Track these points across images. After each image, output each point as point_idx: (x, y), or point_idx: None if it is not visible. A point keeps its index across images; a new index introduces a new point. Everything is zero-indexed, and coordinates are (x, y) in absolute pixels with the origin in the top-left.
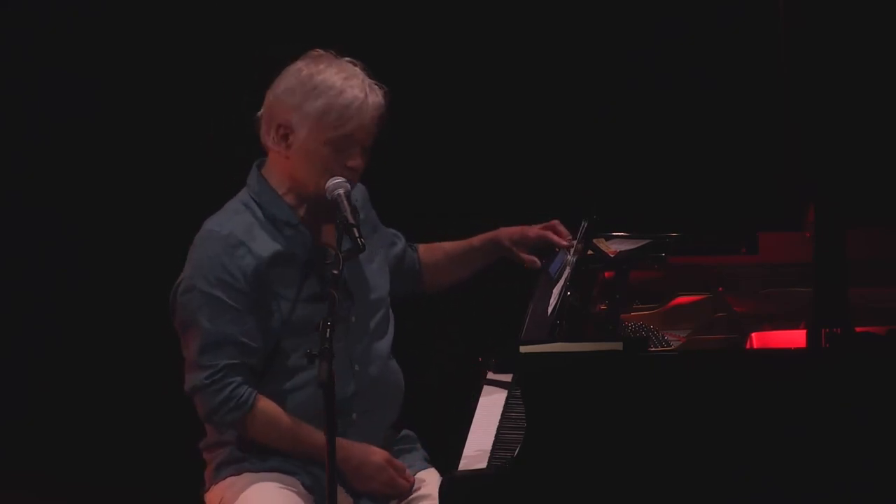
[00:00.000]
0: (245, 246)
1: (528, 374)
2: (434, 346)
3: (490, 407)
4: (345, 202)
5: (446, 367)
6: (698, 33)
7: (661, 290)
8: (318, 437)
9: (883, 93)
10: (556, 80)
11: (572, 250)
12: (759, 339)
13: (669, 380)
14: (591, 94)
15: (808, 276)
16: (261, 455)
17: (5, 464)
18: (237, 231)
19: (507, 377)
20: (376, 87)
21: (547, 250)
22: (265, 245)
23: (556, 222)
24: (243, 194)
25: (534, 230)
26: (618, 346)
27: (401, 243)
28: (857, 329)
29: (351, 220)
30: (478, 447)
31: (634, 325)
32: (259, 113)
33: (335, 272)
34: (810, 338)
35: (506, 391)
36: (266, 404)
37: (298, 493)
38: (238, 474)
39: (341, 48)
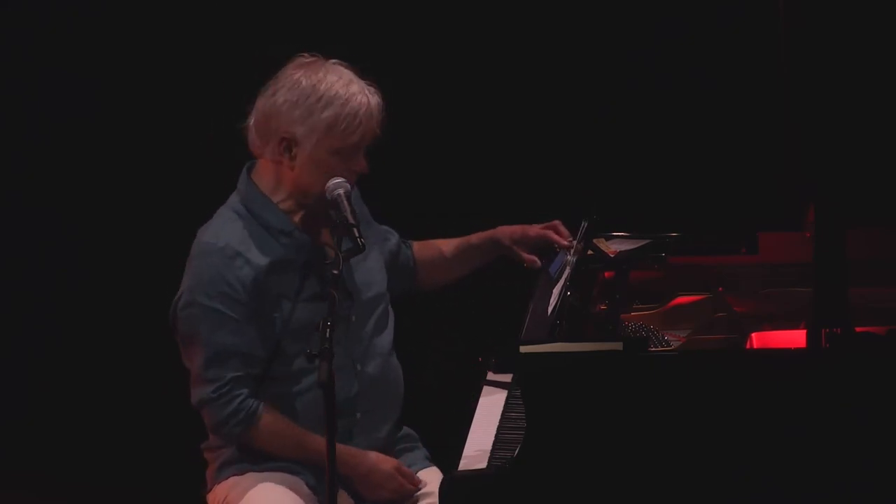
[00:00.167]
0: (242, 256)
1: (528, 374)
2: (434, 345)
3: (490, 407)
4: (345, 202)
5: (446, 365)
6: (698, 33)
7: (661, 290)
8: (320, 442)
9: (883, 93)
10: (557, 79)
11: (572, 250)
12: (759, 339)
13: (669, 380)
14: (591, 94)
15: (808, 276)
16: (264, 455)
17: (5, 464)
18: (233, 242)
19: (507, 378)
20: (371, 87)
21: (547, 250)
22: (262, 254)
23: (557, 222)
24: (234, 201)
25: (534, 229)
26: (618, 346)
27: (394, 239)
28: (857, 329)
29: (351, 220)
30: (478, 447)
31: (634, 325)
32: (249, 123)
33: (335, 272)
34: (810, 338)
35: (506, 391)
36: (272, 415)
37: (303, 493)
38: (241, 474)
39: (341, 48)
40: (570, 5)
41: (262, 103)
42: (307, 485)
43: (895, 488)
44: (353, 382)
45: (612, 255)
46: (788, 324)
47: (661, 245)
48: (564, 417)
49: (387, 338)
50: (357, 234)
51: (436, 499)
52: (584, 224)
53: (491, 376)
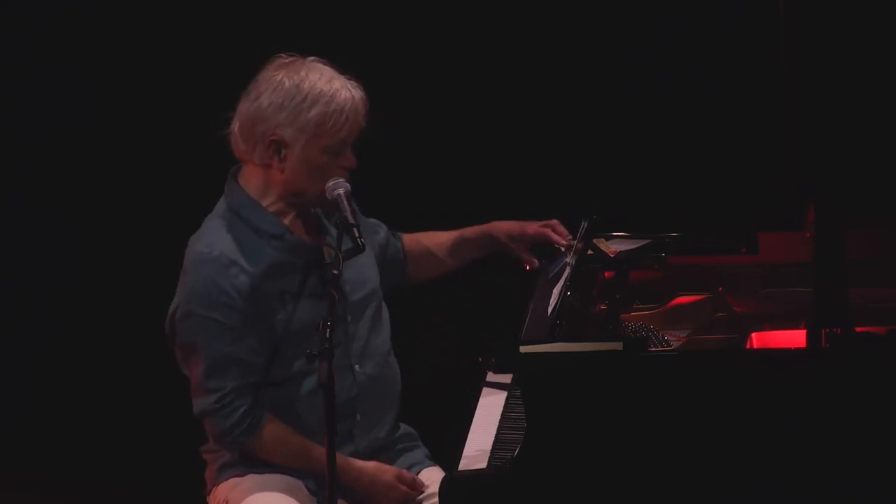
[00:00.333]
0: (237, 265)
1: (528, 374)
2: (430, 342)
3: (490, 407)
4: (345, 202)
5: (444, 362)
6: (698, 33)
7: (661, 290)
8: (322, 452)
9: (883, 93)
10: (557, 79)
11: (572, 250)
12: (759, 339)
13: (669, 380)
14: (592, 94)
15: (808, 276)
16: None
17: (5, 464)
18: (227, 250)
19: (507, 379)
20: (352, 81)
21: (546, 249)
22: (256, 260)
23: (555, 222)
24: (223, 208)
25: (533, 227)
26: (618, 346)
27: (383, 232)
28: (857, 329)
29: (351, 220)
30: (478, 447)
31: (634, 325)
32: (232, 129)
33: (335, 272)
34: (810, 338)
35: (505, 391)
36: (275, 425)
37: (303, 496)
38: (241, 475)
39: (340, 48)
40: (569, 5)
41: (245, 108)
42: (307, 488)
43: (895, 488)
44: (352, 384)
45: (612, 255)
46: (788, 324)
47: (661, 245)
48: (564, 417)
49: (384, 336)
50: (357, 234)
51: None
52: (584, 224)
53: (491, 377)
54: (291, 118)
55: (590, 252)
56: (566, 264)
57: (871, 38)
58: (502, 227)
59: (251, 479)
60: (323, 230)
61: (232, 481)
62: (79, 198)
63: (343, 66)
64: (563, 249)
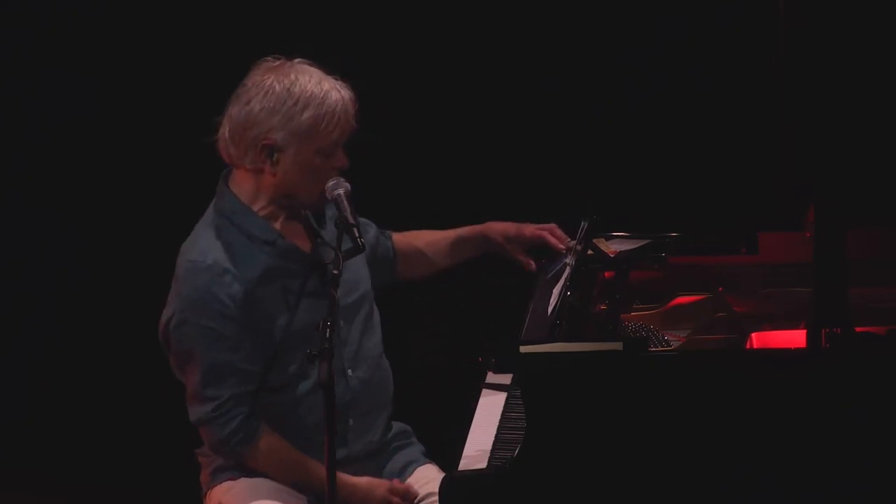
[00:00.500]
0: (230, 273)
1: (528, 374)
2: (429, 343)
3: (490, 407)
4: (345, 202)
5: (443, 363)
6: (698, 33)
7: (661, 290)
8: (322, 472)
9: (883, 93)
10: (556, 79)
11: (572, 251)
12: (759, 339)
13: (669, 380)
14: (592, 94)
15: (808, 276)
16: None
17: (5, 464)
18: (220, 258)
19: (507, 380)
20: (340, 82)
21: (543, 251)
22: (250, 267)
23: (553, 226)
24: (214, 214)
25: (530, 229)
26: (618, 346)
27: (372, 231)
28: (857, 329)
29: (351, 220)
30: (478, 447)
31: (634, 325)
32: (221, 134)
33: (335, 272)
34: (810, 338)
35: (505, 392)
36: (271, 437)
37: (296, 500)
38: (235, 479)
39: (340, 48)
40: (569, 5)
41: (235, 112)
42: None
43: (895, 488)
44: (345, 389)
45: (612, 255)
46: (788, 324)
47: (661, 245)
48: (564, 417)
49: (375, 339)
50: (357, 234)
51: (436, 498)
52: (584, 224)
53: (490, 377)
54: (284, 122)
55: (590, 252)
56: (566, 264)
57: (871, 38)
58: (498, 227)
59: (244, 482)
60: (314, 232)
61: (226, 485)
62: (79, 198)
63: (343, 66)
64: (564, 251)
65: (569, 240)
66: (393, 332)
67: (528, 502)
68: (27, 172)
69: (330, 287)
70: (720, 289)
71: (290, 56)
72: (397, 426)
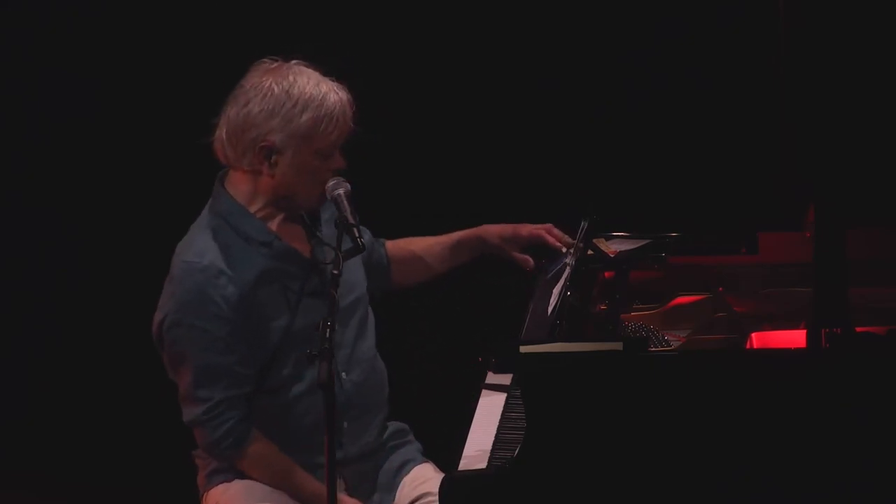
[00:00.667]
0: (226, 274)
1: (528, 374)
2: (431, 343)
3: (490, 407)
4: (345, 202)
5: (437, 359)
6: (698, 33)
7: (661, 290)
8: (310, 483)
9: (883, 93)
10: (556, 79)
11: (571, 251)
12: (759, 339)
13: (669, 380)
14: (592, 94)
15: (808, 276)
16: None
17: (5, 464)
18: (216, 260)
19: (506, 380)
20: (337, 83)
21: (542, 251)
22: (245, 269)
23: (550, 225)
24: (210, 215)
25: (527, 228)
26: (618, 346)
27: (366, 237)
28: (857, 329)
29: (351, 220)
30: (478, 447)
31: (634, 325)
32: (218, 135)
33: (335, 272)
34: (810, 338)
35: (505, 392)
36: (262, 443)
37: (291, 502)
38: (230, 481)
39: (341, 49)
40: (569, 5)
41: (234, 114)
42: None
43: (895, 488)
44: (339, 392)
45: (612, 255)
46: (788, 324)
47: (661, 245)
48: (564, 417)
49: (369, 342)
50: (357, 234)
51: (435, 497)
52: (584, 224)
53: (490, 377)
54: (283, 124)
55: (590, 252)
56: (566, 264)
57: (871, 38)
58: (494, 230)
59: (239, 484)
60: (311, 233)
61: (221, 487)
62: (79, 198)
63: (341, 67)
64: (564, 250)
65: (567, 238)
66: (393, 332)
67: (528, 502)
68: (27, 172)
69: (330, 287)
70: (720, 289)
71: (288, 57)
72: (394, 425)
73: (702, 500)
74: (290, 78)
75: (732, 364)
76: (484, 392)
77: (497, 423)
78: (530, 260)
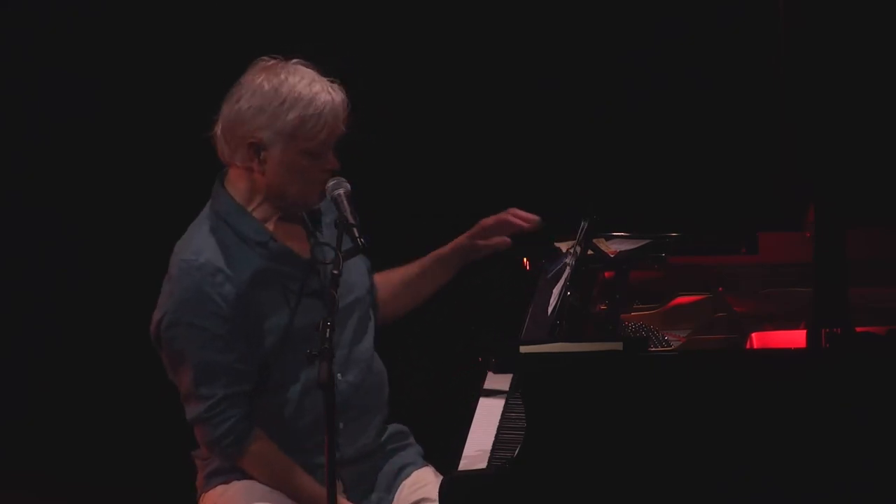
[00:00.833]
0: (223, 272)
1: (528, 374)
2: (430, 343)
3: (490, 407)
4: (345, 202)
5: (443, 363)
6: (698, 33)
7: (661, 290)
8: (309, 484)
9: (883, 93)
10: (556, 79)
11: (570, 250)
12: (759, 339)
13: (669, 380)
14: (592, 94)
15: (808, 276)
16: None
17: (5, 464)
18: (213, 258)
19: (505, 385)
20: (334, 84)
21: (545, 250)
22: (242, 268)
23: (512, 209)
24: (209, 213)
25: (490, 218)
26: (618, 346)
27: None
28: (857, 329)
29: (351, 220)
30: (478, 447)
31: (634, 325)
32: (214, 131)
33: (335, 272)
34: (810, 338)
35: (505, 392)
36: (263, 443)
37: (289, 501)
38: (227, 483)
39: (340, 49)
40: (569, 5)
41: (227, 110)
42: None
43: (895, 488)
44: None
45: (612, 255)
46: (788, 324)
47: (661, 245)
48: (564, 417)
49: (367, 343)
50: (357, 234)
51: (434, 502)
52: (584, 224)
53: (490, 378)
54: (269, 121)
55: (590, 252)
56: (566, 264)
57: (871, 38)
58: (462, 237)
59: (236, 486)
60: (310, 234)
61: (219, 489)
62: (79, 198)
63: (341, 67)
64: (564, 250)
65: (530, 215)
66: (392, 332)
67: (528, 502)
68: (27, 172)
69: (330, 287)
70: (720, 289)
71: (288, 56)
72: (394, 427)
73: (702, 500)
74: (282, 76)
75: (732, 364)
76: (484, 390)
77: (497, 423)
78: (507, 239)
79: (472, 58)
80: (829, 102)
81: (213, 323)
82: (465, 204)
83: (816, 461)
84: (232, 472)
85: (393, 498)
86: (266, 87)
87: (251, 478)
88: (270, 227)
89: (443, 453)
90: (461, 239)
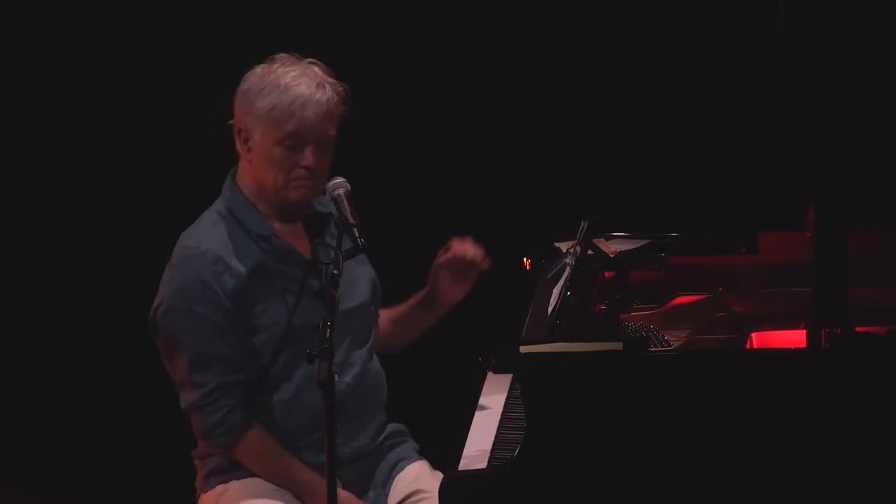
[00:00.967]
0: (223, 262)
1: (528, 374)
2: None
3: (490, 407)
4: (345, 202)
5: (443, 362)
6: (698, 33)
7: (661, 290)
8: (306, 474)
9: (883, 93)
10: (556, 79)
11: (570, 250)
12: (759, 339)
13: (669, 380)
14: (592, 95)
15: (808, 276)
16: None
17: (5, 464)
18: (214, 247)
19: (505, 385)
20: (328, 85)
21: (546, 250)
22: (243, 260)
23: (454, 241)
24: (218, 204)
25: (442, 257)
26: (618, 346)
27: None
28: (857, 329)
29: (351, 220)
30: (478, 447)
31: (634, 325)
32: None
33: (335, 272)
34: (810, 338)
35: (505, 392)
36: (258, 433)
37: (289, 498)
38: (226, 483)
39: (341, 50)
40: (569, 5)
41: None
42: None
43: (895, 488)
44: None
45: (612, 255)
46: (788, 324)
47: (661, 245)
48: (564, 417)
49: (365, 348)
50: (357, 234)
51: (427, 494)
52: (584, 224)
53: (490, 378)
54: (249, 106)
55: (590, 252)
56: (566, 264)
57: (871, 38)
58: (423, 290)
59: (235, 486)
60: (313, 234)
61: (218, 489)
62: (79, 198)
63: (342, 66)
64: (564, 250)
65: (476, 251)
66: None
67: (528, 502)
68: (27, 172)
69: (330, 287)
70: (720, 289)
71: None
72: (392, 427)
73: (702, 500)
74: (275, 66)
75: (732, 364)
76: (484, 392)
77: (497, 423)
78: (463, 290)
79: (472, 58)
80: (829, 102)
81: (211, 311)
82: (465, 204)
83: (816, 461)
84: (231, 471)
85: (388, 492)
86: (258, 73)
87: (250, 477)
88: (275, 223)
89: (443, 453)
90: (429, 281)
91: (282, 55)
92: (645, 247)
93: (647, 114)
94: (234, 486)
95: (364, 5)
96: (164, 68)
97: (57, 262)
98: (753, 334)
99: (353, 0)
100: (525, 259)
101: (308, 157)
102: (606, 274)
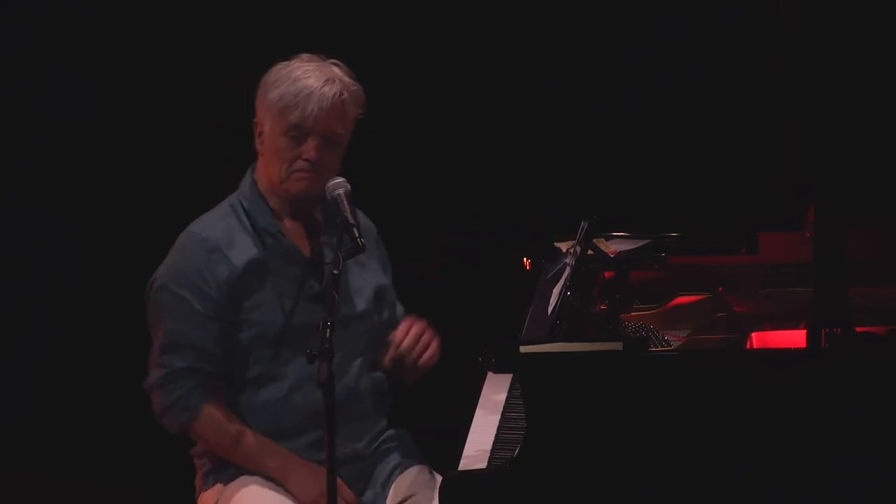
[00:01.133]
0: (221, 251)
1: (528, 374)
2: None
3: (490, 407)
4: (345, 202)
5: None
6: (698, 33)
7: (661, 290)
8: (266, 444)
9: (883, 93)
10: (556, 79)
11: (570, 250)
12: (759, 339)
13: (669, 380)
14: (592, 95)
15: (808, 276)
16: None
17: (5, 464)
18: (216, 236)
19: (505, 385)
20: (339, 82)
21: (546, 250)
22: (242, 253)
23: (392, 336)
24: (233, 197)
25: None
26: (618, 346)
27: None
28: (857, 329)
29: (351, 220)
30: (478, 447)
31: (634, 325)
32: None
33: (335, 272)
34: (810, 338)
35: (505, 392)
36: (214, 410)
37: (289, 497)
38: (224, 483)
39: (339, 49)
40: (569, 5)
41: None
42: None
43: (895, 488)
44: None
45: (612, 255)
46: (788, 324)
47: (661, 245)
48: (564, 417)
49: (365, 352)
50: (357, 234)
51: (424, 496)
52: (584, 224)
53: (490, 378)
54: (262, 98)
55: (590, 252)
56: (566, 264)
57: (871, 38)
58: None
59: (234, 485)
60: (318, 234)
61: (217, 487)
62: (79, 198)
63: (346, 66)
64: (564, 250)
65: (408, 344)
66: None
67: (528, 502)
68: (27, 172)
69: (330, 287)
70: (720, 289)
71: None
72: (393, 430)
73: (702, 499)
74: (294, 62)
75: (732, 364)
76: (484, 392)
77: (497, 423)
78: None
79: (473, 58)
80: (829, 103)
81: (197, 298)
82: (465, 204)
83: (816, 461)
84: (230, 470)
85: (387, 494)
86: (276, 68)
87: (249, 475)
88: (285, 219)
89: (443, 453)
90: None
91: (305, 54)
92: (645, 247)
93: (647, 114)
94: (234, 485)
95: (364, 5)
96: (164, 68)
97: (57, 262)
98: (753, 334)
99: (353, 0)
100: (525, 259)
101: (310, 150)
102: (606, 274)
